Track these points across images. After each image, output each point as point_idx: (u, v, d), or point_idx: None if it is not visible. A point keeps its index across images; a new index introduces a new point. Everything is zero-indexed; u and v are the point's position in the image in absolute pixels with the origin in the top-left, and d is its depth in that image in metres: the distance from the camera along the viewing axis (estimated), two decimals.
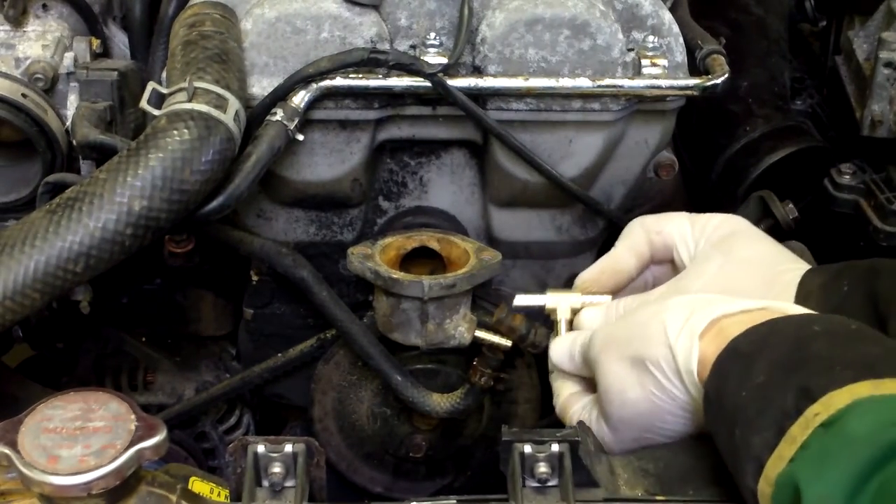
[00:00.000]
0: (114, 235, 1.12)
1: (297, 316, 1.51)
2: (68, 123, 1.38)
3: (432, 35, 1.30)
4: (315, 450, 1.02)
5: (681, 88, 1.32)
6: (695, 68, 1.36)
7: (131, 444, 0.93)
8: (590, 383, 1.22)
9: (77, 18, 1.46)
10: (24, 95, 1.34)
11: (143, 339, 1.61)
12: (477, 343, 1.41)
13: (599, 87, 1.30)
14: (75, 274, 1.13)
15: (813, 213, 1.58)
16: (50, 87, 1.39)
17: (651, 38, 1.33)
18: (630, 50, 1.33)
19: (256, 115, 1.27)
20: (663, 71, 1.32)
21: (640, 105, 1.35)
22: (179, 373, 1.61)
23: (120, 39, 1.50)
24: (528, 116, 1.33)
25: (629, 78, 1.31)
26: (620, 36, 1.32)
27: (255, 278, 1.50)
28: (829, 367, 0.91)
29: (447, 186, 1.43)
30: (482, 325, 1.42)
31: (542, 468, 1.01)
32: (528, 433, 1.05)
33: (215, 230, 1.41)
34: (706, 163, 1.65)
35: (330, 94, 1.29)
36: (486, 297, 1.50)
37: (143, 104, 1.21)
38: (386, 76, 1.29)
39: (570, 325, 1.28)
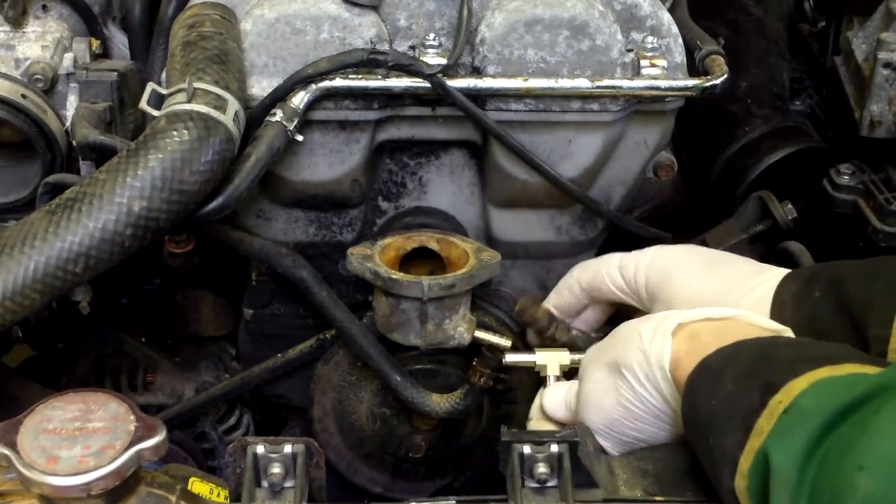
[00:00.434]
0: (113, 236, 1.12)
1: (297, 316, 1.51)
2: (68, 124, 1.38)
3: (431, 36, 1.30)
4: (314, 450, 1.03)
5: (680, 89, 1.32)
6: (694, 69, 1.36)
7: (131, 444, 0.93)
8: None
9: (77, 19, 1.46)
10: (23, 96, 1.34)
11: (143, 339, 1.61)
12: (476, 343, 1.41)
13: (598, 87, 1.30)
14: (75, 274, 1.13)
15: (812, 213, 1.58)
16: (49, 87, 1.39)
17: (650, 38, 1.33)
18: (629, 50, 1.34)
19: (256, 115, 1.27)
20: (662, 71, 1.32)
21: (640, 105, 1.35)
22: (179, 373, 1.61)
23: (119, 40, 1.50)
24: (527, 117, 1.33)
25: (628, 78, 1.31)
26: (619, 36, 1.32)
27: (254, 279, 1.50)
28: (791, 365, 0.95)
29: (446, 187, 1.43)
30: (482, 326, 1.42)
31: (542, 469, 1.02)
32: (527, 434, 1.05)
33: (215, 230, 1.41)
34: (705, 163, 1.65)
35: (329, 95, 1.29)
36: (485, 298, 1.51)
37: (143, 105, 1.21)
38: (385, 77, 1.29)
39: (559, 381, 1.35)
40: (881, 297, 1.09)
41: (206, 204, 1.20)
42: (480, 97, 1.31)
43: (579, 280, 1.38)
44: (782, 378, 0.93)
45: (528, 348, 1.42)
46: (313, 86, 1.27)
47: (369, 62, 1.26)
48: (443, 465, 1.59)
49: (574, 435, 1.04)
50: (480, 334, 1.40)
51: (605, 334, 1.25)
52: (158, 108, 1.20)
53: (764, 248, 1.53)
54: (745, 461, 0.93)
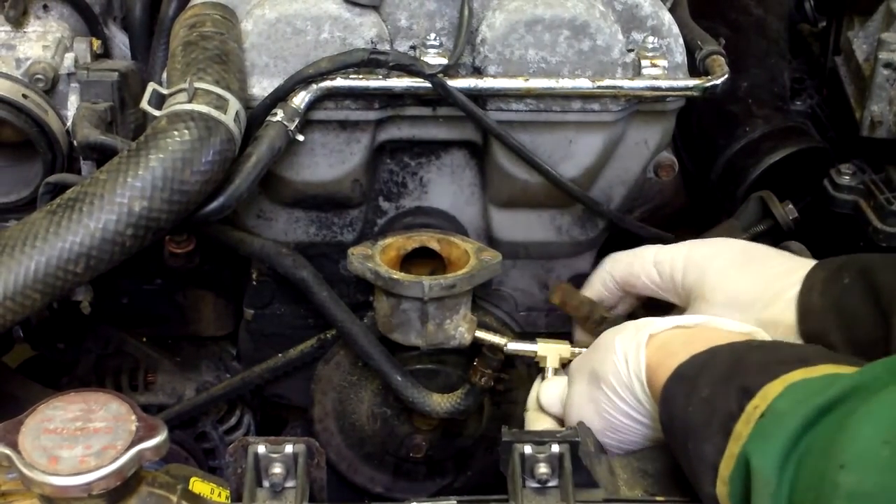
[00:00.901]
0: (114, 236, 1.12)
1: (298, 316, 1.51)
2: (69, 124, 1.38)
3: (432, 36, 1.30)
4: (315, 450, 1.03)
5: (680, 89, 1.32)
6: (694, 69, 1.36)
7: (132, 444, 0.93)
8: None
9: (77, 19, 1.46)
10: (24, 96, 1.34)
11: (144, 339, 1.61)
12: (477, 343, 1.41)
13: (599, 87, 1.30)
14: (76, 274, 1.13)
15: (812, 213, 1.58)
16: (50, 87, 1.39)
17: (651, 38, 1.33)
18: (630, 51, 1.34)
19: (257, 115, 1.27)
20: (663, 72, 1.32)
21: (640, 106, 1.35)
22: (180, 373, 1.61)
23: (120, 40, 1.50)
24: (527, 117, 1.33)
25: (629, 79, 1.31)
26: (620, 37, 1.32)
27: (255, 279, 1.50)
28: (764, 368, 0.95)
29: (447, 187, 1.43)
30: (482, 326, 1.42)
31: (543, 469, 1.02)
32: (528, 434, 1.05)
33: (216, 231, 1.41)
34: (706, 163, 1.65)
35: (330, 95, 1.29)
36: (486, 298, 1.51)
37: (144, 105, 1.21)
38: (386, 77, 1.29)
39: (557, 374, 1.36)
40: None
41: (207, 204, 1.20)
42: (481, 97, 1.31)
43: (612, 274, 1.38)
44: (758, 382, 0.94)
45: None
46: (314, 86, 1.27)
47: (370, 62, 1.26)
48: (443, 465, 1.59)
49: (575, 435, 1.04)
50: (481, 334, 1.40)
51: None
52: (159, 108, 1.20)
53: None
54: (726, 467, 0.93)
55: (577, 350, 1.35)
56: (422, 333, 1.36)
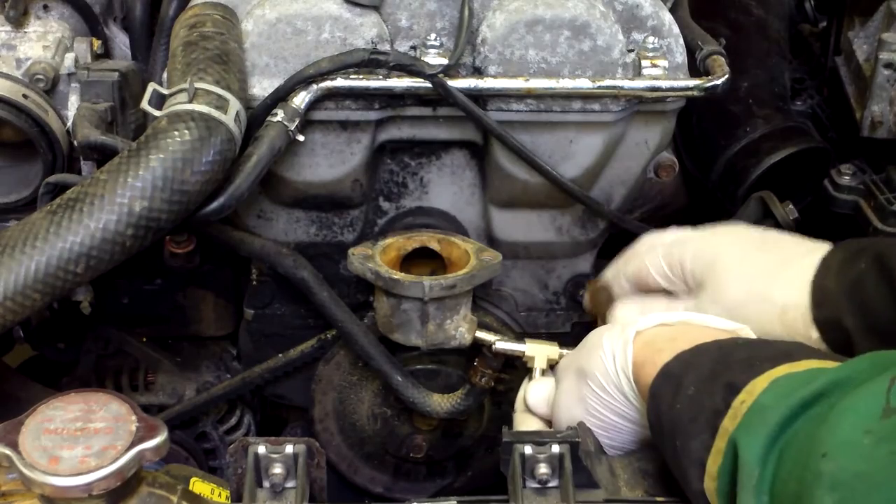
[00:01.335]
0: (114, 236, 1.12)
1: (298, 316, 1.51)
2: (69, 124, 1.38)
3: (433, 36, 1.30)
4: (315, 450, 1.03)
5: (681, 89, 1.32)
6: (695, 69, 1.36)
7: (132, 445, 0.93)
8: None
9: (78, 19, 1.46)
10: (24, 96, 1.34)
11: (144, 339, 1.61)
12: (477, 344, 1.41)
13: (600, 87, 1.30)
14: (76, 274, 1.13)
15: (813, 213, 1.58)
16: (51, 87, 1.39)
17: (651, 38, 1.33)
18: (630, 51, 1.34)
19: (257, 115, 1.27)
20: (663, 72, 1.32)
21: (641, 106, 1.35)
22: (180, 373, 1.61)
23: (121, 40, 1.50)
24: (528, 117, 1.33)
25: (629, 79, 1.31)
26: (621, 37, 1.32)
27: (255, 279, 1.50)
28: (750, 364, 0.96)
29: (447, 187, 1.43)
30: (483, 326, 1.42)
31: (543, 469, 1.02)
32: (528, 434, 1.05)
33: (216, 231, 1.41)
34: (706, 163, 1.65)
35: (330, 95, 1.29)
36: (486, 298, 1.51)
37: (144, 105, 1.21)
38: (386, 77, 1.29)
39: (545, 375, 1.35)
40: None
41: (207, 204, 1.20)
42: (481, 97, 1.31)
43: (624, 273, 1.36)
44: (743, 378, 0.95)
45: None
46: (314, 86, 1.27)
47: (370, 62, 1.26)
48: (444, 466, 1.59)
49: (575, 435, 1.04)
50: (481, 334, 1.40)
51: None
52: (160, 108, 1.20)
53: None
54: (713, 462, 0.94)
55: (564, 351, 1.35)
56: (422, 334, 1.36)
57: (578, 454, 1.03)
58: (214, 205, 1.21)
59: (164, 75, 1.31)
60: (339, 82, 1.28)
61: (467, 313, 1.38)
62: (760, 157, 1.58)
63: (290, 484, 1.01)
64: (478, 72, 1.32)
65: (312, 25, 1.30)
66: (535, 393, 1.29)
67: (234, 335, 1.61)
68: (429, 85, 1.28)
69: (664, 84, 1.31)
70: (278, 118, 1.26)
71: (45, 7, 1.44)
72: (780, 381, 0.92)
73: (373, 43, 1.30)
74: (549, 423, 1.27)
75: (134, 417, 0.96)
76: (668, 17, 1.35)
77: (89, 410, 0.97)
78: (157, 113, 1.19)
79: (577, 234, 1.47)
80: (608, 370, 1.13)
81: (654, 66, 1.32)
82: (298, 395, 1.56)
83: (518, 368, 1.51)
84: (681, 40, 1.36)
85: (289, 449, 1.01)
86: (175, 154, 1.13)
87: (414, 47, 1.33)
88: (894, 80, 1.49)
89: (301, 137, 1.28)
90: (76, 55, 1.41)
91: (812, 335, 1.16)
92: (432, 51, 1.29)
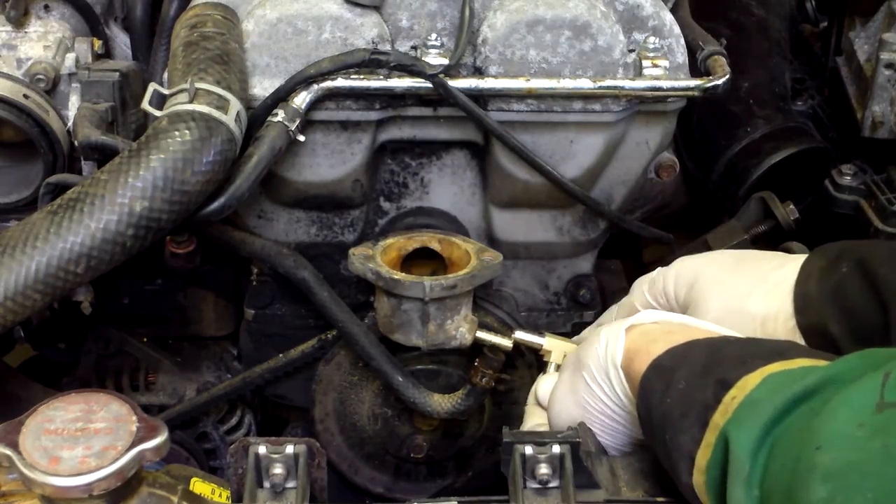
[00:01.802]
0: (115, 236, 1.12)
1: (298, 316, 1.51)
2: (70, 124, 1.38)
3: (433, 36, 1.30)
4: (316, 451, 1.03)
5: (682, 89, 1.32)
6: (696, 69, 1.36)
7: (132, 445, 0.93)
8: None
9: (78, 19, 1.46)
10: (25, 96, 1.34)
11: (145, 339, 1.61)
12: (478, 344, 1.41)
13: (600, 88, 1.30)
14: (76, 275, 1.13)
15: (814, 213, 1.58)
16: (51, 87, 1.39)
17: (652, 39, 1.33)
18: (631, 51, 1.34)
19: (258, 115, 1.27)
20: (664, 72, 1.32)
21: (641, 106, 1.35)
22: (181, 373, 1.61)
23: (121, 40, 1.50)
24: (529, 117, 1.33)
25: (630, 79, 1.31)
26: (621, 37, 1.32)
27: (255, 279, 1.50)
28: (742, 361, 0.96)
29: (448, 187, 1.43)
30: (483, 326, 1.42)
31: (543, 469, 1.02)
32: (529, 434, 1.05)
33: (216, 231, 1.41)
34: (707, 163, 1.65)
35: (331, 95, 1.29)
36: (487, 298, 1.50)
37: (145, 105, 1.21)
38: (387, 77, 1.29)
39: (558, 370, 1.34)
40: None
41: (208, 204, 1.20)
42: (482, 97, 1.31)
43: (618, 315, 1.37)
44: (736, 374, 0.95)
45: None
46: (315, 86, 1.27)
47: (371, 62, 1.26)
48: (444, 466, 1.59)
49: (576, 436, 1.04)
50: (482, 335, 1.40)
51: None
52: (160, 108, 1.20)
53: (766, 249, 1.53)
54: (703, 456, 0.94)
55: None
56: (423, 334, 1.36)
57: (579, 454, 1.03)
58: (215, 205, 1.21)
59: (165, 75, 1.31)
60: (340, 82, 1.28)
61: (468, 313, 1.38)
62: (761, 157, 1.58)
63: (290, 484, 1.01)
64: (479, 72, 1.32)
65: (313, 25, 1.30)
66: (545, 386, 1.30)
67: (235, 335, 1.60)
68: (429, 85, 1.28)
69: (665, 84, 1.31)
70: (279, 118, 1.26)
71: (46, 7, 1.44)
72: (772, 378, 0.92)
73: (373, 43, 1.30)
74: None
75: (134, 418, 0.96)
76: (668, 18, 1.35)
77: (90, 411, 0.97)
78: (157, 113, 1.19)
79: (578, 235, 1.47)
80: (599, 357, 1.14)
81: (655, 66, 1.32)
82: (299, 396, 1.55)
83: (518, 368, 1.51)
84: (682, 40, 1.35)
85: (289, 449, 1.01)
86: (176, 154, 1.13)
87: (415, 47, 1.33)
88: (895, 80, 1.49)
89: (302, 137, 1.28)
90: (77, 55, 1.41)
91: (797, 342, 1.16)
92: (433, 51, 1.29)
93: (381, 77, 1.29)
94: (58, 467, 0.91)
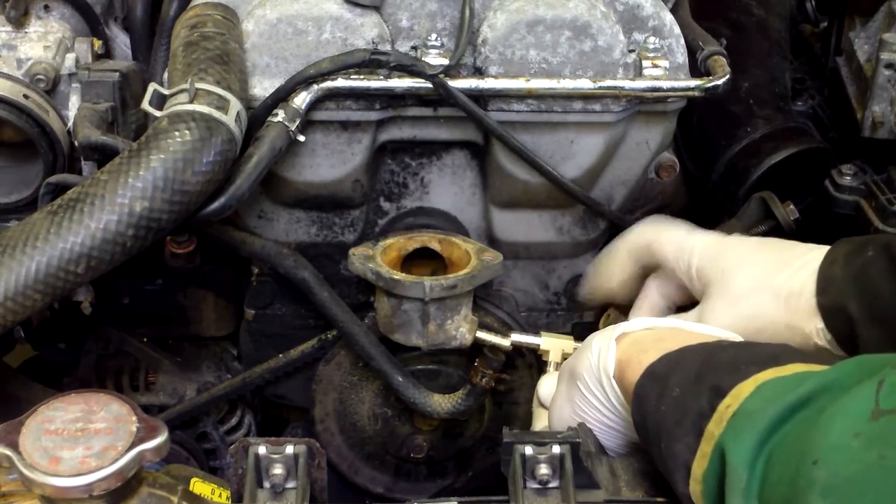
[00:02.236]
0: (115, 236, 1.12)
1: (299, 317, 1.51)
2: (70, 124, 1.38)
3: (433, 36, 1.30)
4: (316, 451, 1.03)
5: (682, 90, 1.32)
6: (696, 69, 1.36)
7: (132, 445, 0.93)
8: None
9: (78, 19, 1.45)
10: (25, 96, 1.34)
11: (145, 339, 1.61)
12: (478, 344, 1.41)
13: (600, 88, 1.30)
14: (76, 275, 1.13)
15: (814, 214, 1.58)
16: (51, 87, 1.39)
17: (652, 39, 1.33)
18: (631, 51, 1.34)
19: (258, 116, 1.27)
20: (664, 72, 1.32)
21: (642, 106, 1.35)
22: (181, 373, 1.61)
23: (121, 40, 1.50)
24: (529, 117, 1.33)
25: (630, 79, 1.31)
26: (622, 37, 1.32)
27: (255, 279, 1.50)
28: (736, 368, 0.96)
29: (448, 187, 1.43)
30: (483, 326, 1.42)
31: (543, 469, 1.01)
32: (529, 434, 1.05)
33: (217, 231, 1.41)
34: (707, 164, 1.64)
35: (331, 95, 1.29)
36: (487, 298, 1.50)
37: (145, 105, 1.21)
38: (387, 77, 1.29)
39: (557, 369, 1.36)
40: None
41: (208, 204, 1.20)
42: (482, 98, 1.31)
43: (625, 249, 1.38)
44: (729, 381, 0.94)
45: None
46: (315, 86, 1.27)
47: (371, 62, 1.26)
48: (444, 466, 1.59)
49: (576, 436, 1.04)
50: (482, 335, 1.40)
51: None
52: (160, 108, 1.20)
53: None
54: (699, 466, 0.94)
55: (579, 345, 1.35)
56: (423, 334, 1.36)
57: (579, 455, 1.03)
58: (215, 205, 1.21)
59: (165, 75, 1.31)
60: (340, 83, 1.28)
61: (468, 314, 1.38)
62: (761, 157, 1.58)
63: (290, 484, 1.01)
64: (479, 72, 1.32)
65: (313, 26, 1.30)
66: (546, 387, 1.31)
67: (235, 335, 1.60)
68: (430, 85, 1.28)
69: (665, 84, 1.31)
70: (279, 118, 1.26)
71: (46, 7, 1.44)
72: (766, 386, 0.92)
73: (374, 43, 1.30)
74: None
75: (134, 418, 0.96)
76: (668, 18, 1.35)
77: (90, 411, 0.97)
78: (157, 113, 1.19)
79: (578, 235, 1.47)
80: (592, 367, 1.14)
81: (655, 66, 1.32)
82: (299, 396, 1.55)
83: (518, 368, 1.51)
84: (682, 40, 1.36)
85: (289, 449, 1.01)
86: (176, 154, 1.14)
87: (415, 47, 1.33)
88: (895, 80, 1.49)
89: (302, 138, 1.28)
90: (77, 55, 1.41)
91: (817, 324, 1.16)
92: (433, 51, 1.29)
93: (381, 77, 1.29)
94: (58, 467, 0.91)
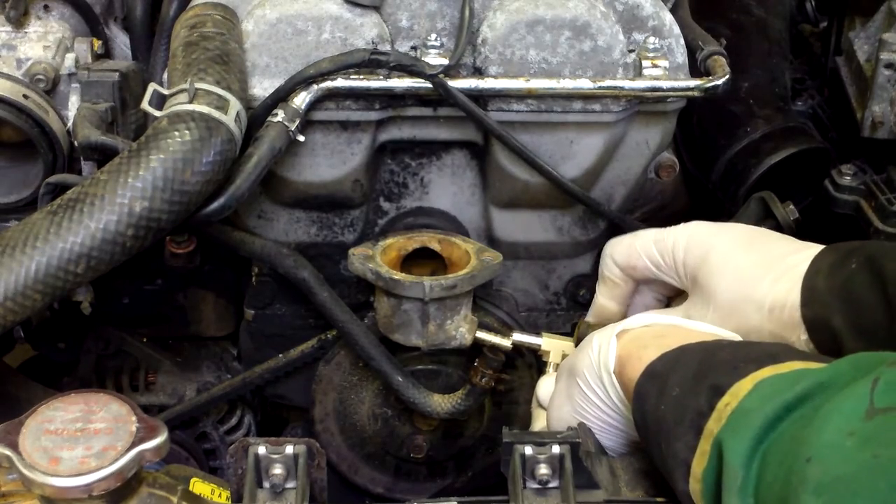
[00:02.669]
0: (115, 236, 1.12)
1: (298, 317, 1.51)
2: (70, 124, 1.38)
3: (433, 36, 1.30)
4: (316, 451, 1.03)
5: (682, 90, 1.32)
6: (696, 69, 1.36)
7: (132, 445, 0.93)
8: None
9: (78, 19, 1.46)
10: (25, 96, 1.34)
11: (145, 339, 1.61)
12: (478, 344, 1.41)
13: (600, 88, 1.30)
14: (76, 275, 1.13)
15: (814, 214, 1.58)
16: (51, 87, 1.39)
17: (652, 39, 1.33)
18: (631, 51, 1.34)
19: (257, 116, 1.27)
20: (664, 72, 1.32)
21: (641, 106, 1.35)
22: (180, 373, 1.61)
23: (121, 40, 1.50)
24: (528, 117, 1.33)
25: (630, 79, 1.31)
26: (621, 37, 1.32)
27: (255, 279, 1.50)
28: (734, 367, 0.96)
29: (448, 187, 1.43)
30: (483, 326, 1.42)
31: (543, 469, 1.02)
32: (529, 434, 1.05)
33: (216, 231, 1.41)
34: (707, 164, 1.65)
35: (331, 95, 1.29)
36: (486, 298, 1.50)
37: (145, 105, 1.21)
38: (387, 77, 1.29)
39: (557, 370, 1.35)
40: None
41: (208, 204, 1.20)
42: (482, 98, 1.31)
43: (613, 257, 1.36)
44: (728, 380, 0.95)
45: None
46: (315, 86, 1.27)
47: (371, 62, 1.26)
48: (444, 466, 1.59)
49: (576, 436, 1.04)
50: (482, 335, 1.40)
51: None
52: (160, 108, 1.20)
53: None
54: (698, 465, 0.94)
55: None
56: (423, 334, 1.36)
57: (579, 455, 1.03)
58: (215, 205, 1.21)
59: (165, 75, 1.31)
60: (340, 82, 1.28)
61: (468, 314, 1.38)
62: (761, 157, 1.58)
63: (290, 484, 1.01)
64: (478, 72, 1.32)
65: (313, 26, 1.30)
66: (545, 387, 1.31)
67: (235, 335, 1.60)
68: (429, 85, 1.28)
69: (665, 84, 1.31)
70: (279, 118, 1.26)
71: (46, 7, 1.44)
72: (764, 383, 0.92)
73: (373, 43, 1.30)
74: None
75: (134, 418, 0.96)
76: (668, 18, 1.35)
77: (89, 411, 0.97)
78: (157, 113, 1.19)
79: (578, 235, 1.47)
80: (593, 364, 1.14)
81: (655, 66, 1.32)
82: (299, 396, 1.55)
83: (518, 368, 1.51)
84: (681, 40, 1.35)
85: (289, 449, 1.01)
86: (175, 154, 1.14)
87: (414, 47, 1.33)
88: (895, 80, 1.49)
89: (301, 138, 1.28)
90: (76, 55, 1.41)
91: (801, 335, 1.16)
92: (433, 51, 1.29)
93: (381, 77, 1.29)
94: (58, 468, 0.91)
